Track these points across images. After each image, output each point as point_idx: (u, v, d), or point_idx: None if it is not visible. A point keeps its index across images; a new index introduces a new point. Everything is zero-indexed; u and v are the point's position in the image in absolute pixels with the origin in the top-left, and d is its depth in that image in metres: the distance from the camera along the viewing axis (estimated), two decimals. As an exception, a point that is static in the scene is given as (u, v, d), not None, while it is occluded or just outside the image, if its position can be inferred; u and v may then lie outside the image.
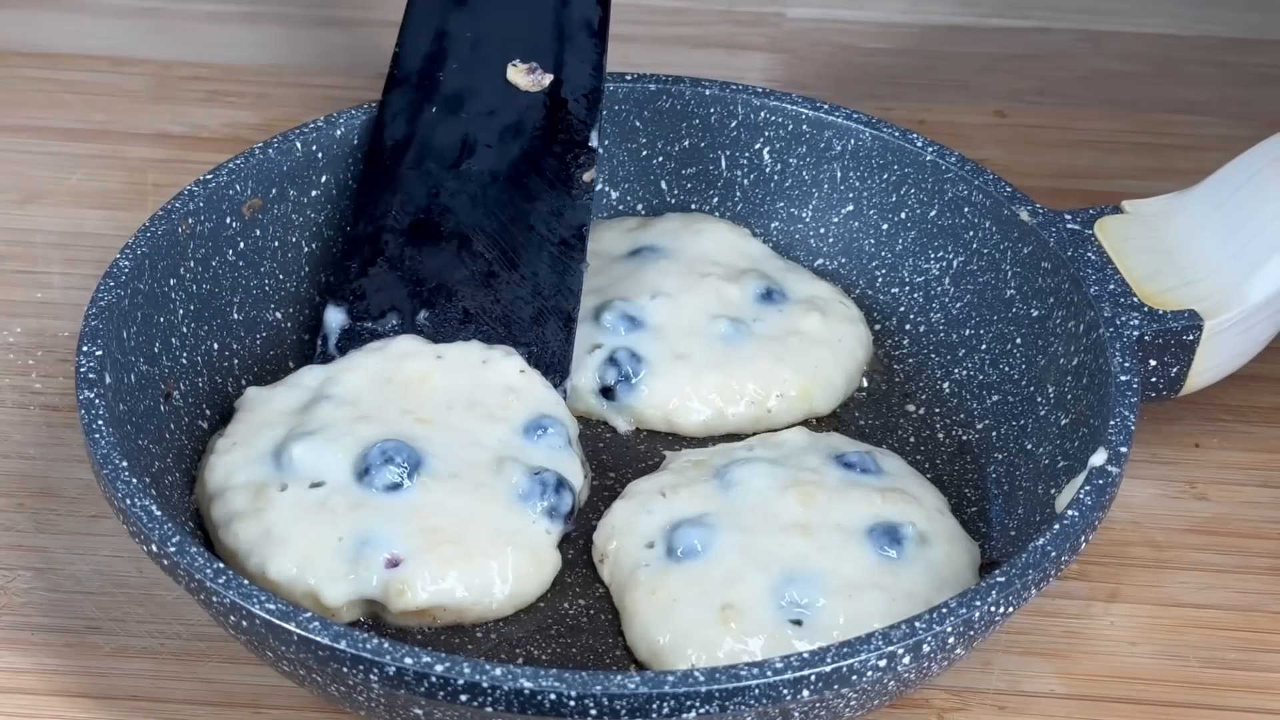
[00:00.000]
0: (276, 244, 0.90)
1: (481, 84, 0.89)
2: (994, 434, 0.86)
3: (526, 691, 0.69)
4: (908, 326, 0.91)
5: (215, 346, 0.87)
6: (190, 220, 0.86)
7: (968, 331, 0.89)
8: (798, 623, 0.77)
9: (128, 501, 0.74)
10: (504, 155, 0.88)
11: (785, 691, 0.69)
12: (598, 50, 0.89)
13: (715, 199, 0.95)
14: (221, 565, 0.72)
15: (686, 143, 0.94)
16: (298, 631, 0.70)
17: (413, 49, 0.90)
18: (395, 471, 0.80)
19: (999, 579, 0.73)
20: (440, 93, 0.89)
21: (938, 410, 0.89)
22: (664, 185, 0.95)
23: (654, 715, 0.69)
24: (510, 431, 0.83)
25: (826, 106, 0.93)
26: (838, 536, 0.79)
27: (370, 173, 0.89)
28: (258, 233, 0.89)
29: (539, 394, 0.84)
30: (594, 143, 0.87)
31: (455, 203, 0.88)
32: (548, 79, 0.88)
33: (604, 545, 0.81)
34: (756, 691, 0.69)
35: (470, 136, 0.88)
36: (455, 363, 0.84)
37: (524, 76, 0.87)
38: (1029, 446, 0.84)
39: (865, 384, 0.90)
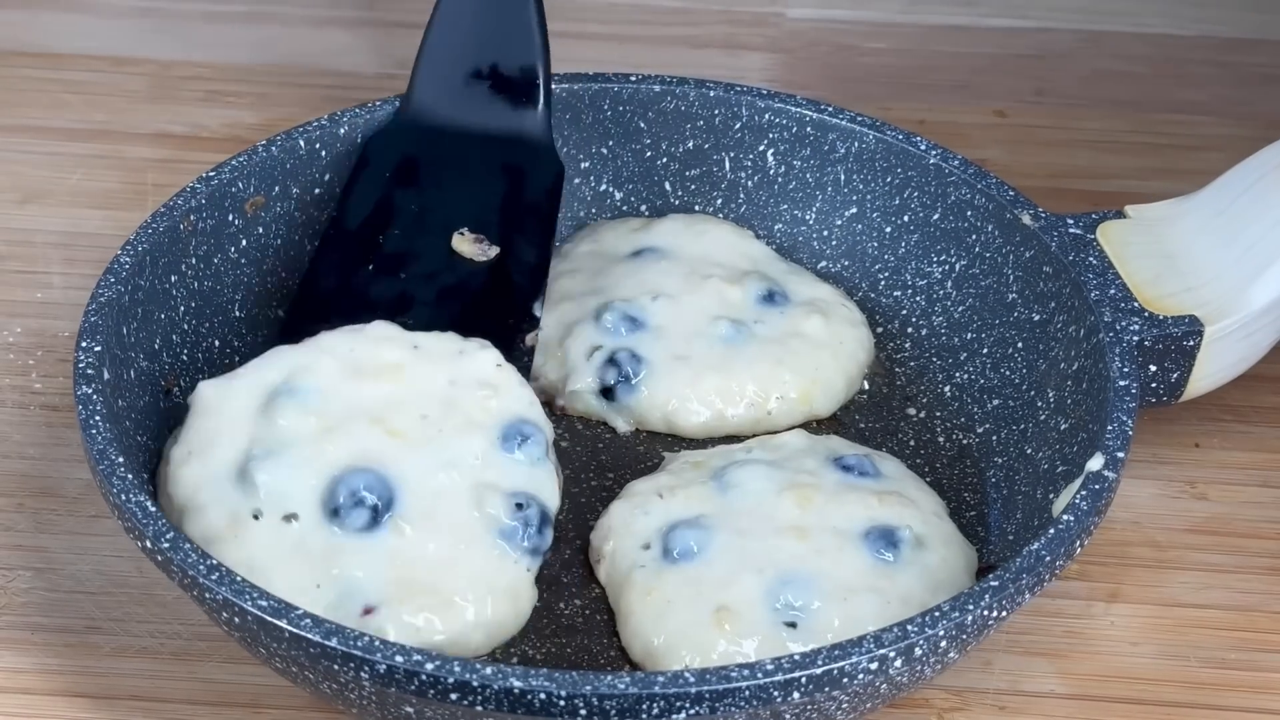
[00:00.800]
0: (279, 242, 0.90)
1: (424, 249, 0.88)
2: (994, 438, 0.86)
3: (516, 690, 0.69)
4: (909, 330, 0.91)
5: (216, 344, 0.87)
6: (192, 217, 0.86)
7: (969, 335, 0.89)
8: (792, 625, 0.77)
9: (123, 497, 0.74)
10: (442, 314, 0.86)
11: (775, 693, 0.69)
12: (545, 234, 0.88)
13: (719, 200, 0.95)
14: (215, 562, 0.72)
15: (690, 144, 0.94)
16: (289, 628, 0.70)
17: (354, 214, 0.89)
18: (365, 514, 0.77)
19: (993, 583, 0.73)
20: (380, 253, 0.88)
21: (938, 414, 0.89)
22: (668, 186, 0.95)
23: (644, 716, 0.69)
24: (488, 444, 0.80)
25: (831, 109, 0.93)
26: (834, 539, 0.79)
27: (296, 315, 0.86)
28: (260, 230, 0.89)
29: (516, 392, 0.82)
30: (538, 312, 0.86)
31: None
32: (494, 251, 0.87)
33: (600, 545, 0.81)
34: (747, 693, 0.69)
35: (409, 293, 0.86)
36: (430, 353, 0.82)
37: (470, 245, 0.87)
38: (1028, 451, 0.84)
39: (866, 387, 0.90)
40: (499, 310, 0.86)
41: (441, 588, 0.77)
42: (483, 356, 0.83)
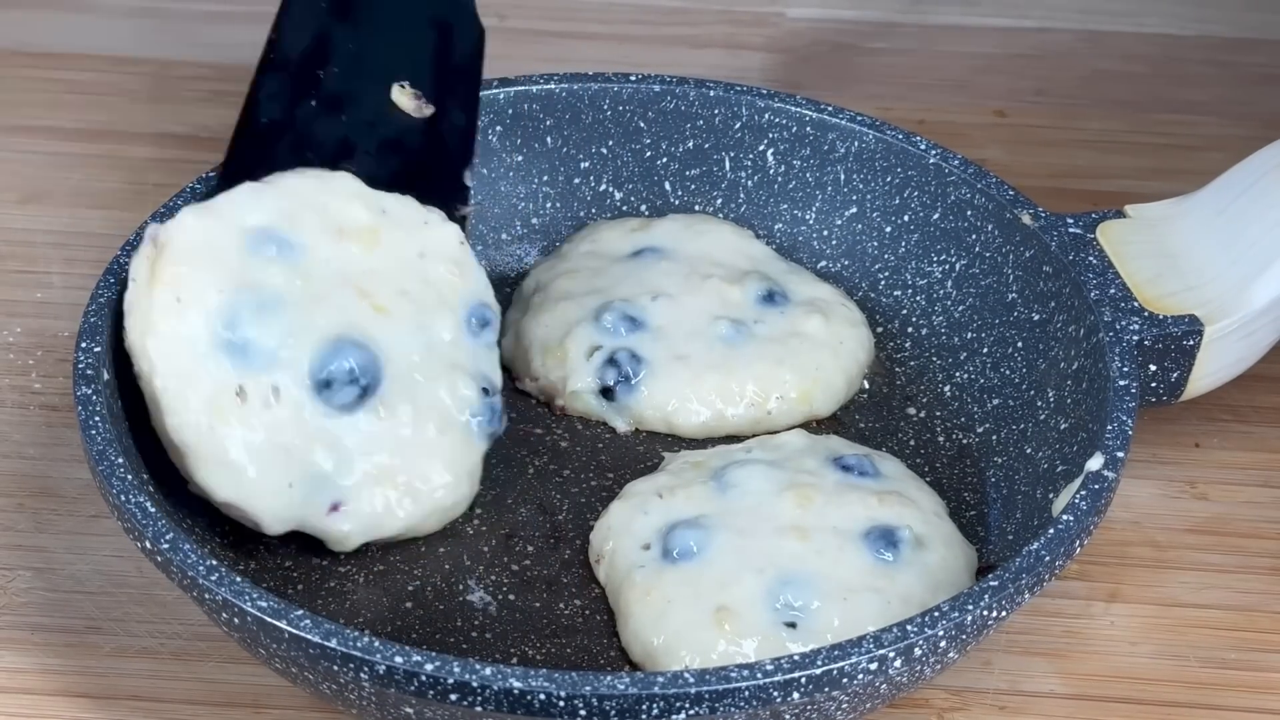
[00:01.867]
0: (277, 243, 0.90)
1: (363, 94, 0.87)
2: (994, 438, 0.86)
3: (516, 691, 0.69)
4: (909, 329, 0.91)
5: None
6: (192, 217, 0.86)
7: (969, 335, 0.89)
8: (792, 625, 0.77)
9: (122, 498, 0.74)
10: (383, 166, 0.86)
11: (775, 694, 0.69)
12: (473, 99, 0.88)
13: (719, 200, 0.95)
14: (214, 563, 0.72)
15: (690, 144, 0.94)
16: (289, 629, 0.70)
17: (292, 41, 0.88)
18: (354, 392, 0.78)
19: (992, 583, 0.73)
20: (321, 90, 0.87)
21: (938, 413, 0.89)
22: (668, 186, 0.95)
23: (643, 716, 0.69)
24: (456, 325, 0.81)
25: (830, 109, 0.93)
26: (834, 539, 0.79)
27: (241, 147, 0.86)
28: (258, 231, 0.89)
29: (476, 272, 0.83)
30: (469, 181, 0.87)
31: None
32: (430, 109, 0.87)
33: (600, 546, 0.81)
34: (746, 693, 0.69)
35: (350, 140, 0.86)
36: (399, 220, 0.82)
37: (409, 100, 0.86)
38: (1028, 450, 0.84)
39: (866, 386, 0.90)
40: (433, 173, 0.86)
41: (414, 472, 0.79)
42: (447, 230, 0.83)
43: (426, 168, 0.87)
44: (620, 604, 0.79)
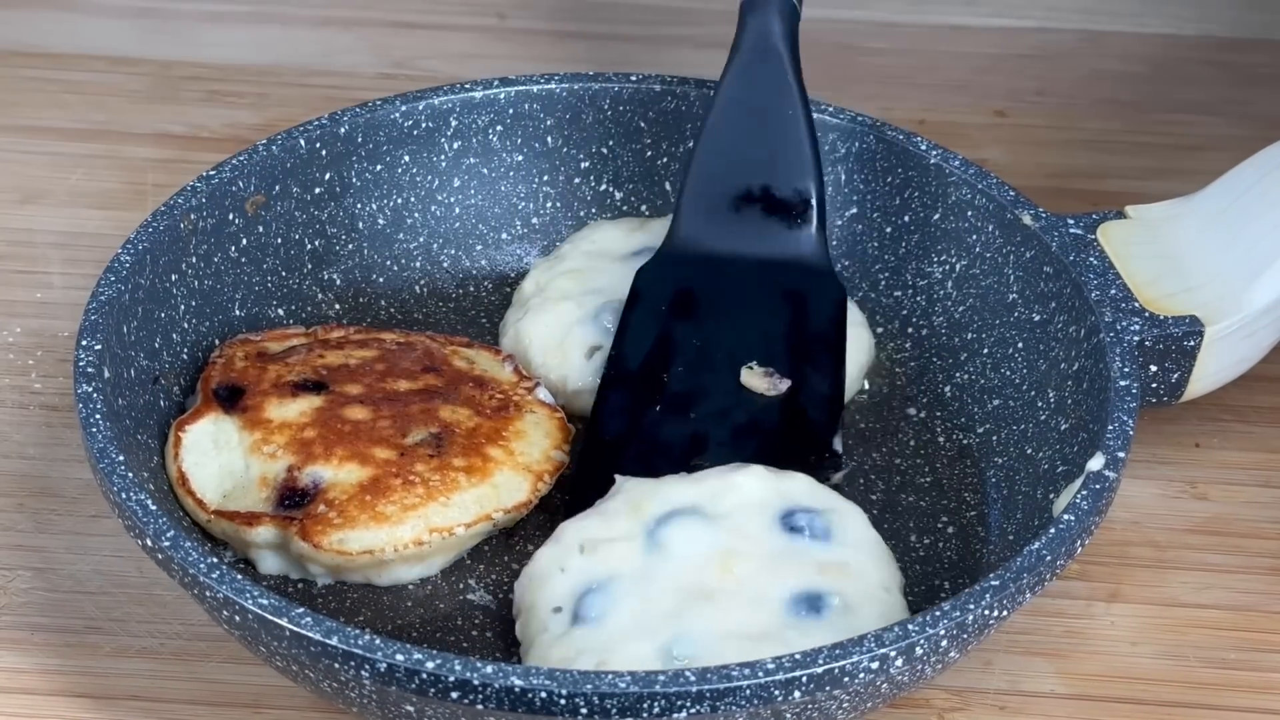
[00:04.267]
0: (279, 241, 0.90)
1: (712, 386, 0.85)
2: (994, 438, 0.86)
3: (517, 689, 0.69)
4: (910, 330, 0.91)
5: (216, 343, 0.87)
6: (192, 216, 0.86)
7: (969, 335, 0.89)
8: None
9: (123, 496, 0.74)
10: (739, 452, 0.83)
11: (776, 692, 0.69)
12: (836, 364, 0.86)
13: (719, 200, 0.95)
14: (215, 560, 0.72)
15: (691, 144, 0.94)
16: (290, 627, 0.70)
17: (632, 351, 0.86)
18: None
19: (993, 583, 0.73)
20: (667, 392, 0.85)
21: (939, 414, 0.89)
22: (668, 186, 0.95)
23: (644, 714, 0.69)
24: None
25: (831, 109, 0.93)
26: (750, 604, 0.76)
27: (587, 463, 0.84)
28: (260, 229, 0.89)
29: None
30: (838, 448, 0.84)
31: None
32: (785, 384, 0.85)
33: (521, 597, 0.78)
34: (747, 692, 0.69)
35: (700, 433, 0.84)
36: None
37: (761, 380, 0.84)
38: (1029, 451, 0.84)
39: (866, 387, 0.90)
40: (796, 447, 0.84)
41: None
42: None
43: (788, 443, 0.84)
44: (527, 662, 0.77)
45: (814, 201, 0.88)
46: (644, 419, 0.85)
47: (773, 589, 0.76)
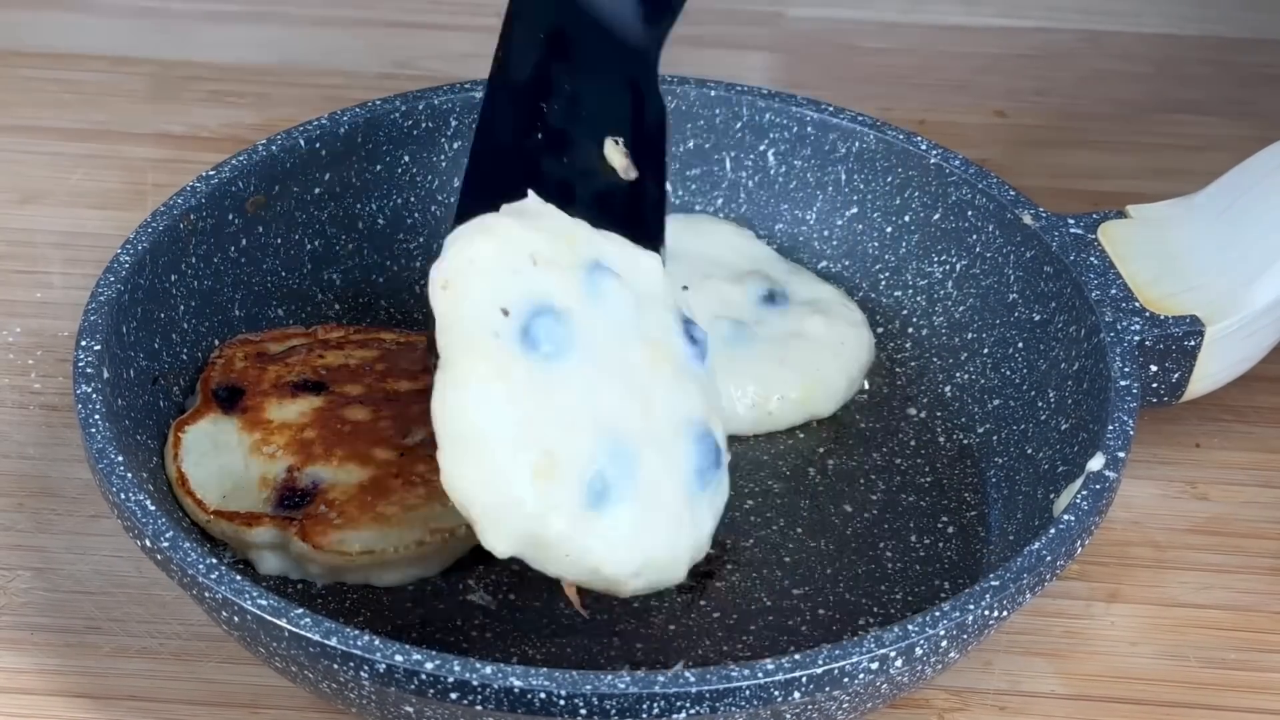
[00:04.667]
0: (279, 241, 0.90)
1: (580, 139, 0.84)
2: (995, 438, 0.86)
3: (516, 690, 0.69)
4: (910, 330, 0.91)
5: (216, 343, 0.87)
6: (192, 216, 0.86)
7: (970, 335, 0.89)
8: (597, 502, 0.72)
9: (122, 496, 0.74)
10: (595, 222, 0.81)
11: (776, 693, 0.69)
12: (661, 170, 0.84)
13: (719, 200, 0.95)
14: (214, 561, 0.72)
15: (691, 144, 0.94)
16: (289, 628, 0.70)
17: (517, 66, 0.84)
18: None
19: (994, 583, 0.73)
20: (545, 124, 0.84)
21: (939, 414, 0.89)
22: (668, 186, 0.95)
23: (644, 715, 0.69)
24: None
25: (831, 109, 0.93)
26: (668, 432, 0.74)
27: (481, 166, 0.83)
28: (260, 230, 0.89)
29: None
30: (661, 254, 0.83)
31: None
32: (634, 173, 0.84)
33: (451, 272, 0.72)
34: (747, 692, 0.69)
35: (569, 183, 0.83)
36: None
37: (620, 158, 0.83)
38: (1029, 451, 0.84)
39: (867, 386, 0.90)
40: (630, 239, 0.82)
41: None
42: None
43: (626, 233, 0.82)
44: (448, 370, 0.70)
45: (674, 8, 0.85)
46: (527, 141, 0.83)
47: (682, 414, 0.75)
